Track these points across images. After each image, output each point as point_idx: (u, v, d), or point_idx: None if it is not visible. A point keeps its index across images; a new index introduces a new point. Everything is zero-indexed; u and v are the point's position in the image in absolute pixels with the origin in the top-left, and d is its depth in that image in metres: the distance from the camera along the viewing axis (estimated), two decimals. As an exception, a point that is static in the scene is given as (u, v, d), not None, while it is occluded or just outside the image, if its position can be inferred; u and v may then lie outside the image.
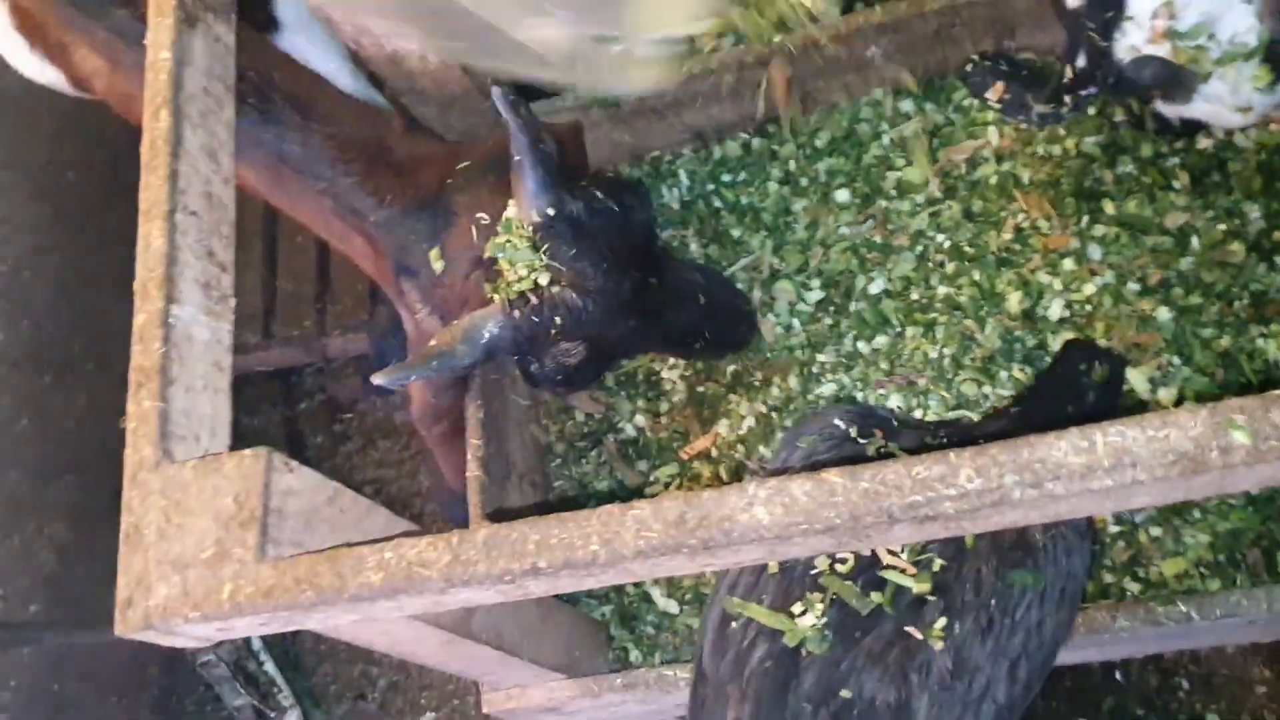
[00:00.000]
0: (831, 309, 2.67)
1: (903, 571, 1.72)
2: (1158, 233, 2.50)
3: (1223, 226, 2.50)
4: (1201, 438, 1.20)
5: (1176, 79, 2.03)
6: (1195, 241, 2.49)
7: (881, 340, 2.55)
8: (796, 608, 1.76)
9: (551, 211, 2.09)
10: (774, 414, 2.63)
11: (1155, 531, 2.33)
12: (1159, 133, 2.47)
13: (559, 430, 2.90)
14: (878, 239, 2.68)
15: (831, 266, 2.69)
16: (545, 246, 2.09)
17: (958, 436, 2.02)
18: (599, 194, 2.17)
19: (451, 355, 2.06)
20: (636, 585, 2.67)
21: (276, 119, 2.18)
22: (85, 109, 2.93)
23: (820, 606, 1.73)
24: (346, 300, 4.10)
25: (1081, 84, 2.13)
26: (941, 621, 1.69)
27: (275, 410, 4.35)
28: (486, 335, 2.08)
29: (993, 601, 1.72)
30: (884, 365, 2.53)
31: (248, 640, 3.86)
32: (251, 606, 1.48)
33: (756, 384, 2.67)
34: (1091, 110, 2.61)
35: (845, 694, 1.67)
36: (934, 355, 2.50)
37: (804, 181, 2.81)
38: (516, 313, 2.09)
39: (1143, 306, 2.42)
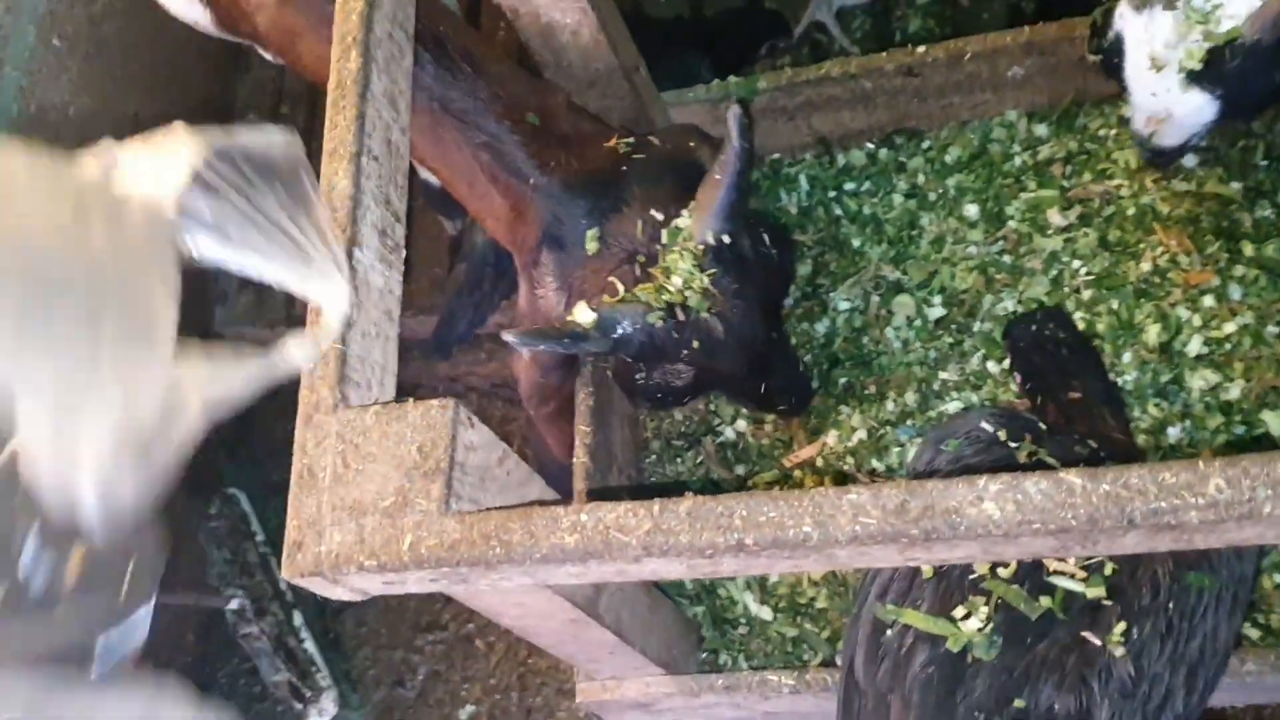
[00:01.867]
0: (953, 327, 2.63)
1: (1072, 576, 1.68)
2: (1289, 276, 2.47)
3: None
4: None
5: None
6: (1329, 287, 2.46)
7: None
8: (958, 611, 1.71)
9: (728, 240, 2.08)
10: (888, 428, 2.59)
11: (1278, 578, 2.28)
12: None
13: (655, 427, 2.85)
14: (1007, 260, 2.64)
15: (955, 284, 2.65)
16: (711, 270, 2.08)
17: (1109, 449, 1.99)
18: (767, 239, 2.20)
19: (585, 338, 2.03)
20: (727, 589, 2.63)
21: (448, 67, 2.15)
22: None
23: (985, 610, 1.68)
24: (423, 281, 4.06)
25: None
26: (1121, 626, 1.65)
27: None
28: (620, 331, 2.04)
29: (1170, 605, 1.67)
30: (1014, 387, 2.48)
31: (290, 616, 3.81)
32: (433, 559, 1.44)
33: (870, 396, 2.63)
34: (1233, 150, 2.59)
35: (1019, 703, 1.62)
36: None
37: (932, 196, 2.78)
38: (659, 322, 2.07)
39: (1286, 352, 2.38)
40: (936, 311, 2.65)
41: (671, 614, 2.45)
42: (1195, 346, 2.42)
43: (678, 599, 2.60)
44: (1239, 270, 2.47)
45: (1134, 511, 1.24)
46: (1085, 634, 1.64)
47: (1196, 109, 1.95)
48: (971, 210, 2.73)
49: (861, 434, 2.60)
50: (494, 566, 1.44)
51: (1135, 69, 2.02)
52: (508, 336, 1.98)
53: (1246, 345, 2.40)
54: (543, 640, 2.08)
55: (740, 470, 2.70)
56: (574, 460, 2.50)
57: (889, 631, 1.76)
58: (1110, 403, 2.29)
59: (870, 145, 2.89)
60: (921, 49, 2.68)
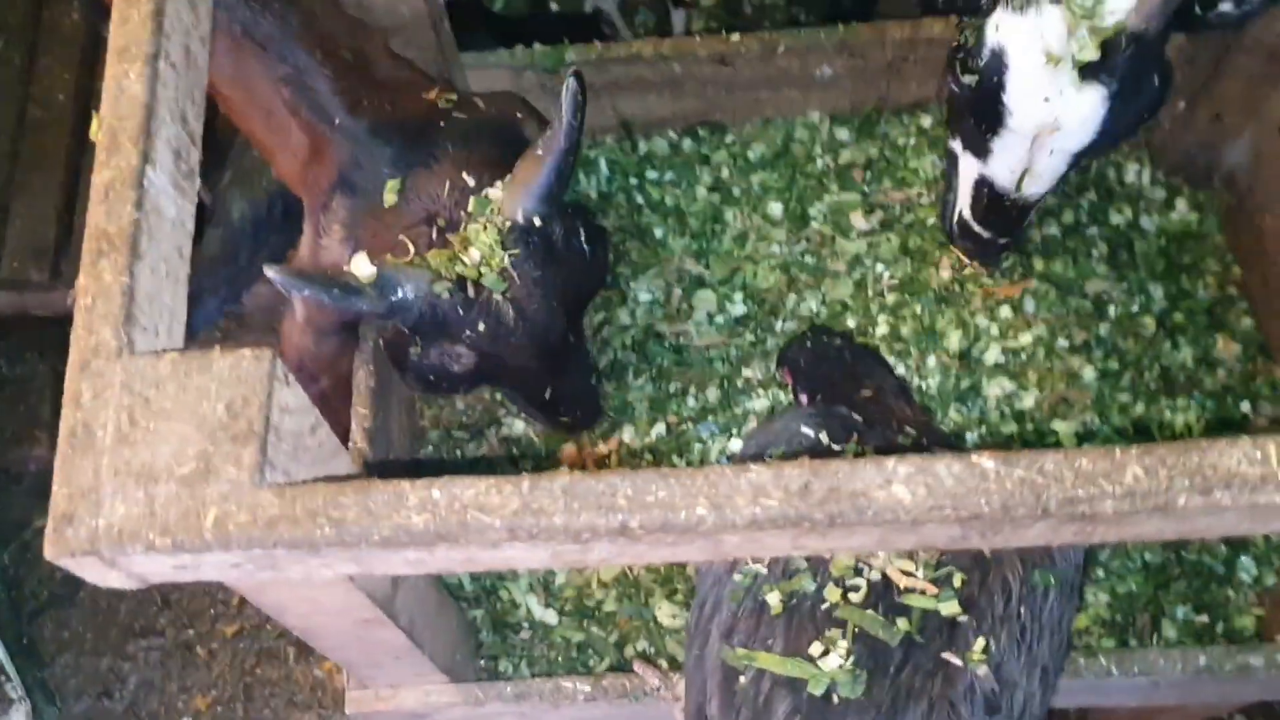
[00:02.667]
0: (755, 325, 2.56)
1: (923, 593, 1.60)
2: (1080, 296, 2.55)
3: (1135, 300, 2.57)
4: (1382, 461, 1.15)
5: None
6: (1112, 310, 2.56)
7: (820, 360, 2.46)
8: (815, 649, 1.59)
9: (539, 222, 1.92)
10: (688, 424, 2.48)
11: (1245, 575, 2.35)
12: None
13: (435, 415, 2.64)
14: (810, 261, 2.60)
15: (758, 282, 2.59)
16: (514, 250, 1.91)
17: (926, 435, 1.95)
18: (582, 231, 2.05)
19: (358, 294, 1.80)
20: (509, 591, 2.44)
21: None
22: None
23: (843, 644, 1.57)
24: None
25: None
26: (980, 643, 1.58)
27: (44, 362, 3.82)
28: (399, 294, 1.84)
29: (1021, 609, 1.62)
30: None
31: (-29, 619, 3.32)
32: (243, 539, 1.19)
33: (671, 392, 2.52)
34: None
35: None
36: (876, 381, 2.43)
37: (736, 192, 2.71)
38: (445, 294, 1.88)
39: (1072, 363, 2.44)
40: (739, 309, 2.58)
41: (455, 616, 2.24)
42: (994, 355, 2.45)
43: (456, 600, 2.39)
44: (1031, 283, 2.53)
45: (1049, 499, 1.17)
46: (946, 655, 1.57)
47: (1091, 109, 1.89)
48: (775, 209, 2.67)
49: (660, 429, 2.48)
50: (317, 550, 1.21)
51: (1023, 76, 1.92)
52: (271, 272, 1.70)
53: (1040, 356, 2.46)
54: (324, 642, 1.82)
55: (528, 467, 2.52)
56: (350, 446, 2.25)
57: (742, 679, 1.61)
58: (903, 393, 2.27)
59: (673, 135, 2.79)
60: (736, 37, 2.61)
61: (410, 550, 1.22)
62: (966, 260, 2.51)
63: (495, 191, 1.97)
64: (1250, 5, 2.04)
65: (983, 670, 1.56)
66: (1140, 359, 2.51)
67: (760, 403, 2.46)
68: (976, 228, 2.23)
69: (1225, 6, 2.03)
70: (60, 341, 3.89)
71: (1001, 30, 1.89)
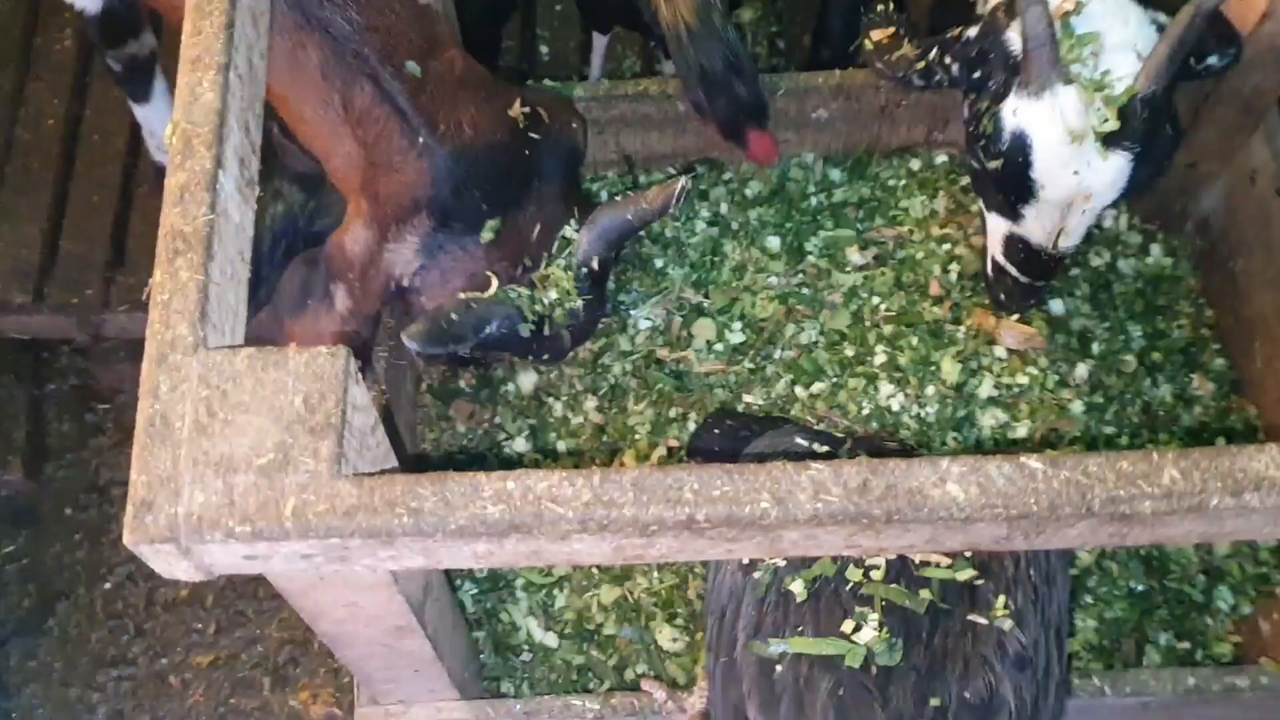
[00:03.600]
0: (751, 352, 2.63)
1: (938, 565, 1.68)
2: (1066, 333, 2.65)
3: (1116, 338, 2.68)
4: (1398, 466, 1.23)
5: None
6: (1095, 347, 2.66)
7: (820, 386, 2.54)
8: (847, 626, 1.66)
9: (597, 267, 2.11)
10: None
11: (1222, 603, 2.43)
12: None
13: (435, 439, 2.67)
14: (807, 292, 2.68)
15: (756, 312, 2.67)
16: (587, 296, 2.12)
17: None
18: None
19: (460, 339, 2.02)
20: (510, 613, 2.47)
21: None
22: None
23: (874, 617, 1.64)
24: (143, 275, 3.64)
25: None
26: (1001, 599, 1.66)
27: (19, 386, 3.77)
28: (489, 330, 2.03)
29: (1031, 572, 1.71)
30: (819, 409, 2.51)
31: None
32: (322, 527, 1.22)
33: (672, 416, 2.58)
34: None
35: (935, 701, 1.58)
36: (876, 406, 2.51)
37: (734, 225, 2.79)
38: (527, 332, 2.08)
39: (1062, 396, 2.54)
40: (738, 337, 2.65)
41: (466, 635, 2.27)
42: (987, 389, 2.53)
43: (460, 621, 2.42)
44: (1040, 342, 2.62)
45: (1093, 499, 1.24)
46: (971, 617, 1.64)
47: (1118, 173, 1.99)
48: (773, 242, 2.76)
49: (661, 452, 2.54)
50: (393, 540, 1.25)
51: (1049, 154, 1.99)
52: (406, 336, 1.98)
53: (1035, 391, 2.55)
54: (352, 652, 1.84)
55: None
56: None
57: (779, 668, 1.67)
58: None
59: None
60: (737, 79, 2.69)
61: (482, 541, 1.26)
62: (999, 323, 2.60)
63: (572, 231, 2.13)
64: (1229, 58, 2.17)
65: (1008, 625, 1.64)
66: (1123, 394, 2.61)
67: (762, 428, 2.52)
68: (1014, 272, 2.33)
69: (1212, 60, 2.16)
70: (35, 367, 3.86)
71: (1019, 115, 1.99)
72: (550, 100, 2.21)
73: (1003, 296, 2.42)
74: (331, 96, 2.01)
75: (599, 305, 2.20)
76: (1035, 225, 2.19)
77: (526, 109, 2.12)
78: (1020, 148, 2.02)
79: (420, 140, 2.01)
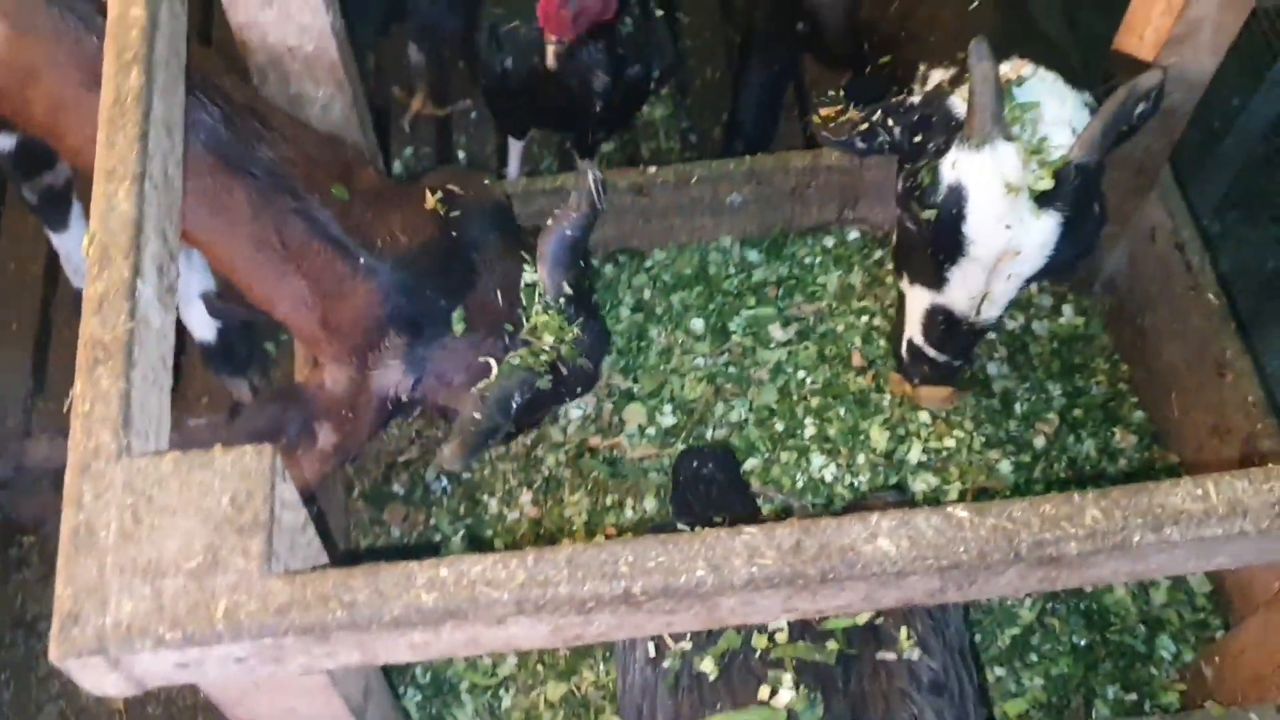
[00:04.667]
0: (683, 434, 2.65)
1: (836, 614, 1.70)
2: (988, 395, 2.71)
3: (1037, 398, 2.75)
4: (1305, 491, 1.28)
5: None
6: (1018, 407, 2.72)
7: (753, 463, 2.56)
8: (764, 692, 1.67)
9: (571, 291, 2.10)
10: (629, 536, 2.53)
11: (1000, 671, 2.42)
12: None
13: (369, 544, 2.64)
14: (734, 371, 2.72)
15: (686, 394, 2.69)
16: (578, 321, 2.12)
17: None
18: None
19: (496, 430, 2.02)
20: (455, 717, 2.42)
21: (243, 120, 1.93)
22: None
23: (788, 677, 1.65)
24: (64, 401, 3.57)
25: None
26: (904, 631, 1.68)
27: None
28: (516, 403, 2.03)
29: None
30: (754, 485, 2.52)
31: None
32: (254, 627, 1.20)
33: (608, 504, 2.58)
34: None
35: None
36: (809, 478, 2.53)
37: (658, 310, 2.83)
38: (546, 385, 2.08)
39: (989, 457, 2.59)
40: (669, 419, 2.67)
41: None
42: (916, 454, 2.57)
43: None
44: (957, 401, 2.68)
45: (1020, 544, 1.26)
46: (880, 655, 1.66)
47: (1048, 234, 2.05)
48: (697, 324, 2.80)
49: (623, 539, 2.52)
50: (327, 635, 1.23)
51: (985, 206, 2.04)
52: (452, 464, 2.00)
53: (963, 454, 2.59)
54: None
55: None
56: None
57: None
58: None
59: (595, 261, 2.91)
60: (652, 169, 2.77)
61: (418, 631, 1.25)
62: (915, 388, 2.56)
63: (531, 275, 2.14)
64: (1153, 107, 2.25)
65: (916, 654, 1.66)
66: (1049, 451, 2.67)
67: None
68: (931, 352, 2.37)
69: (1142, 108, 2.23)
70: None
71: (959, 167, 2.05)
72: (450, 174, 2.23)
73: (917, 380, 2.46)
74: (267, 235, 1.99)
75: (594, 319, 2.20)
76: (960, 290, 2.23)
77: (439, 195, 2.15)
78: (956, 199, 2.08)
79: (362, 261, 2.01)
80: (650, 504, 2.56)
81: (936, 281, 2.24)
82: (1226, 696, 2.36)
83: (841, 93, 2.57)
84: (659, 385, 2.71)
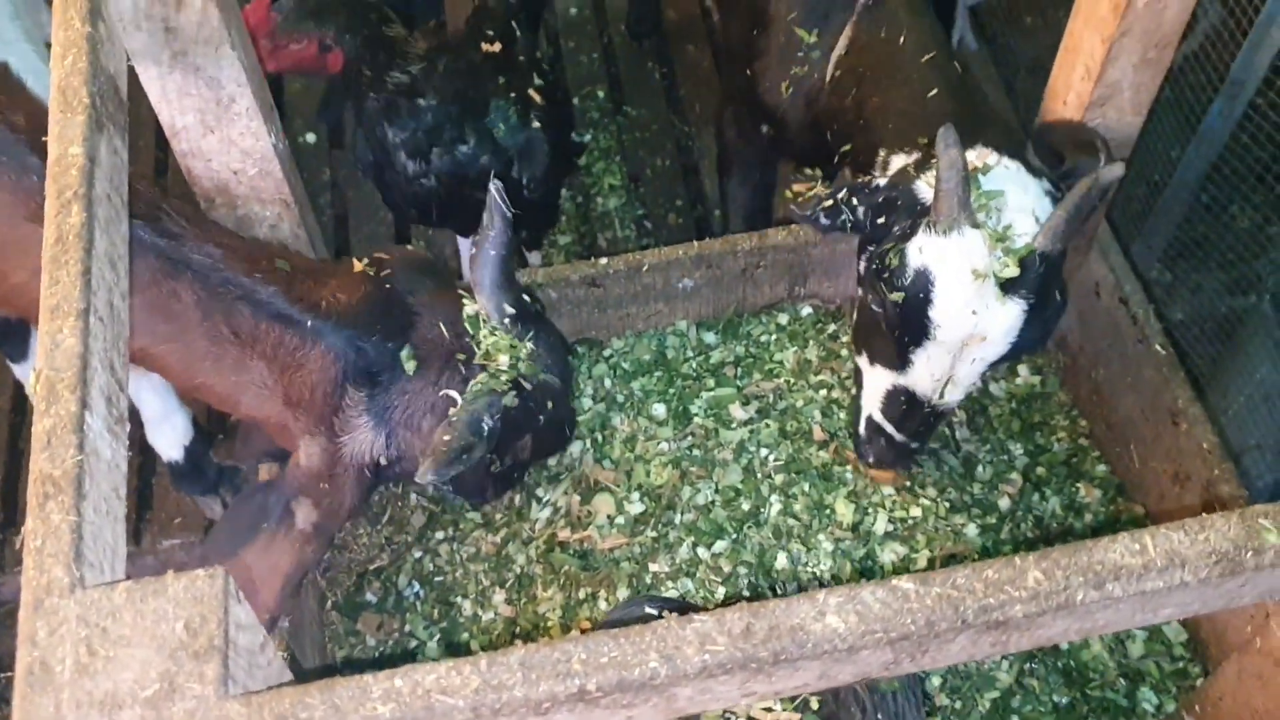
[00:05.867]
0: (653, 520, 2.66)
1: None
2: (951, 458, 2.74)
3: (999, 459, 2.78)
4: (1238, 538, 1.31)
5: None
6: (981, 470, 2.75)
7: (721, 545, 2.57)
8: None
9: (513, 310, 2.15)
10: (589, 629, 2.53)
11: (1145, 705, 2.44)
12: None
13: (346, 655, 2.63)
14: (698, 454, 2.74)
15: (652, 480, 2.71)
16: (528, 336, 2.17)
17: None
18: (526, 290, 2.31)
19: (470, 449, 2.03)
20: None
21: (179, 228, 1.98)
22: None
23: None
24: (35, 530, 3.57)
25: None
26: None
27: (-97, 658, 3.63)
28: (488, 425, 2.06)
29: (879, 715, 1.72)
30: (725, 568, 2.53)
31: None
32: (213, 753, 1.21)
33: (581, 597, 2.58)
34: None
35: None
36: (776, 556, 2.54)
37: (619, 398, 2.86)
38: (514, 402, 2.12)
39: (955, 522, 2.61)
40: (637, 507, 2.68)
41: None
42: (882, 524, 2.59)
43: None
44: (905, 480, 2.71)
45: (966, 610, 1.28)
46: None
47: (1013, 320, 2.09)
48: (659, 410, 2.83)
49: (575, 635, 2.52)
50: (288, 755, 1.23)
51: (951, 291, 2.07)
52: (428, 476, 1.99)
53: (929, 521, 2.61)
54: None
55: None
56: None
57: None
58: None
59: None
60: (604, 261, 2.81)
61: (378, 745, 1.25)
62: (874, 468, 2.61)
63: (472, 305, 2.19)
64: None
65: None
66: (1014, 512, 2.69)
67: (674, 590, 2.53)
68: (890, 430, 2.39)
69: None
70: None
71: (926, 252, 2.10)
72: (374, 251, 2.31)
73: (872, 458, 2.48)
74: (219, 329, 2.04)
75: (547, 329, 2.24)
76: (923, 373, 2.25)
77: (365, 260, 2.23)
78: (923, 283, 2.11)
79: (309, 325, 2.06)
80: (623, 593, 2.56)
81: (900, 363, 2.27)
82: (1211, 745, 2.37)
83: (818, 171, 2.65)
84: (625, 474, 2.72)
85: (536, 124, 3.03)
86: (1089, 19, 2.40)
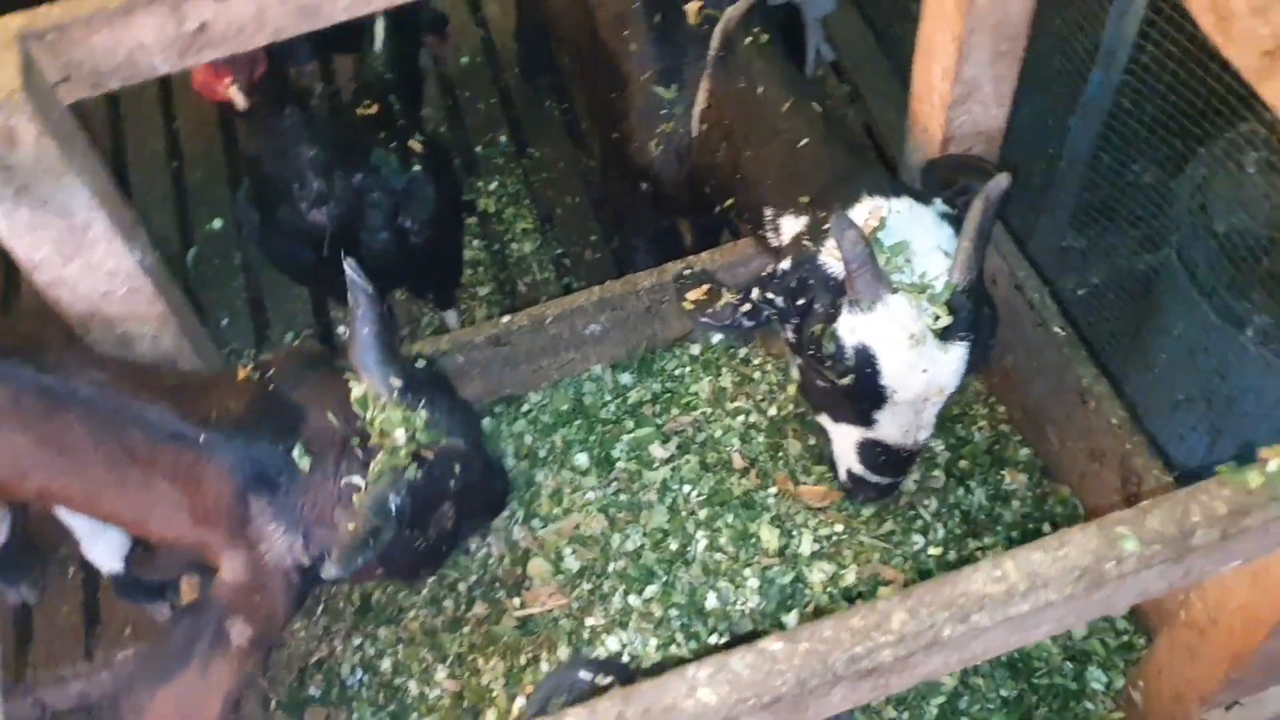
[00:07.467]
0: (587, 574, 2.66)
1: None
2: (872, 468, 2.75)
3: (924, 457, 2.79)
4: (1097, 550, 1.32)
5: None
6: (903, 474, 2.76)
7: (652, 590, 2.57)
8: None
9: (400, 381, 2.11)
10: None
11: None
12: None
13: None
14: (624, 498, 2.74)
15: (582, 531, 2.71)
16: (421, 405, 2.12)
17: None
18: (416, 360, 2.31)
19: (378, 532, 2.00)
20: None
21: (52, 364, 1.97)
22: None
23: None
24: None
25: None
26: None
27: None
28: (395, 504, 2.03)
29: None
30: (656, 613, 2.53)
31: None
32: None
33: (523, 663, 2.57)
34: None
35: None
36: (705, 593, 2.54)
37: (541, 453, 2.85)
38: (417, 474, 2.08)
39: (883, 530, 2.61)
40: (571, 562, 2.68)
41: None
42: (808, 545, 2.60)
43: None
44: (821, 467, 2.72)
45: (835, 663, 1.28)
46: None
47: (960, 361, 2.12)
48: (581, 459, 2.82)
49: (520, 702, 2.52)
50: None
51: (896, 361, 2.10)
52: (334, 571, 1.97)
53: (855, 535, 2.62)
54: None
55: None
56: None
57: None
58: None
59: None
60: (507, 318, 2.81)
61: None
62: (859, 504, 2.65)
63: (358, 387, 2.15)
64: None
65: None
66: (940, 511, 2.70)
67: (612, 641, 2.53)
68: (874, 479, 2.43)
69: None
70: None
71: (858, 331, 2.11)
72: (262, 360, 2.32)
73: (862, 499, 2.53)
74: (115, 455, 2.03)
75: (443, 394, 2.22)
76: (892, 427, 2.29)
77: (249, 365, 2.22)
78: (867, 360, 2.14)
79: (202, 439, 2.04)
80: (564, 651, 2.55)
81: (866, 422, 2.30)
82: (1159, 717, 2.38)
83: (701, 269, 2.63)
84: (556, 531, 2.72)
85: (418, 167, 3.10)
86: (937, 19, 2.43)
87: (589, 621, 2.58)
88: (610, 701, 1.27)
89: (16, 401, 1.98)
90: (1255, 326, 3.10)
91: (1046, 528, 2.70)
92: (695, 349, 3.00)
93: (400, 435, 2.12)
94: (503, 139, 4.58)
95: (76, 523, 3.26)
